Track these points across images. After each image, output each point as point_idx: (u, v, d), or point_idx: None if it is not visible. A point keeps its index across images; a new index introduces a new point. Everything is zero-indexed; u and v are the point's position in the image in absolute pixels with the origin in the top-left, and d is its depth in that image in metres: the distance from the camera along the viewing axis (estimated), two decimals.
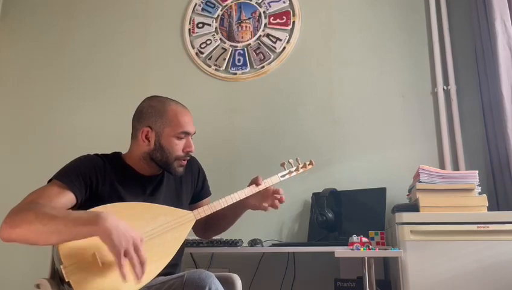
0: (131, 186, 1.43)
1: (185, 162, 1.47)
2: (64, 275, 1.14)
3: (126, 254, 1.11)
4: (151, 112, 1.44)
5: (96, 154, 1.44)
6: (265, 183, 1.52)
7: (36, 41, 2.99)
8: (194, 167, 1.61)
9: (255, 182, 1.51)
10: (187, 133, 1.45)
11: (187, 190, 1.58)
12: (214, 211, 1.44)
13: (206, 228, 1.64)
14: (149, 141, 1.43)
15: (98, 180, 1.36)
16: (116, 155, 1.48)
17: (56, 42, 2.95)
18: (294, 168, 1.61)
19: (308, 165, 1.65)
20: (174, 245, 1.33)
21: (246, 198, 1.50)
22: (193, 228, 1.57)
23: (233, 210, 1.54)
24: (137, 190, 1.44)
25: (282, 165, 1.60)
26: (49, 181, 1.33)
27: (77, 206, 1.30)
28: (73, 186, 1.29)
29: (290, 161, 1.61)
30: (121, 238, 1.11)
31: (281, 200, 1.51)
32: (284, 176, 1.58)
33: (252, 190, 1.50)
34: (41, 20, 3.03)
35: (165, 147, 1.42)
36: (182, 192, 1.56)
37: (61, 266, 1.15)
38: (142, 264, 1.13)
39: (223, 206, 1.45)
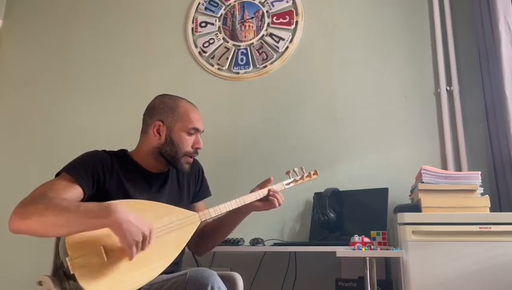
0: (138, 182, 1.44)
1: (191, 159, 1.50)
2: (70, 268, 1.15)
3: (137, 246, 1.15)
4: (163, 108, 1.48)
5: (104, 151, 1.46)
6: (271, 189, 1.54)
7: (40, 42, 3.00)
8: (195, 166, 1.63)
9: (263, 185, 1.54)
10: (197, 130, 1.49)
11: (188, 189, 1.60)
12: (220, 213, 1.45)
13: (202, 238, 1.61)
14: (160, 135, 1.46)
15: (105, 175, 1.38)
16: (123, 152, 1.51)
17: (59, 42, 2.96)
18: (299, 177, 1.65)
19: (313, 174, 1.68)
20: (177, 245, 1.34)
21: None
22: None
23: (238, 214, 1.55)
24: (143, 187, 1.45)
25: (287, 173, 1.63)
26: (57, 175, 1.35)
27: (84, 201, 1.31)
28: (81, 180, 1.31)
29: (295, 169, 1.64)
30: (132, 231, 1.14)
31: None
32: (288, 184, 1.62)
33: (257, 195, 1.52)
34: (44, 21, 3.04)
35: (175, 142, 1.45)
36: (184, 190, 1.57)
37: (67, 259, 1.16)
38: (143, 248, 1.19)
39: (229, 209, 1.46)
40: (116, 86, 2.78)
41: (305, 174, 1.65)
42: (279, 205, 1.53)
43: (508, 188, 1.96)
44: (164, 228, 1.31)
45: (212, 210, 1.43)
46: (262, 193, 1.52)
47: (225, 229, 1.61)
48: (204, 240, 1.62)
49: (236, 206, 1.47)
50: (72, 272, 1.15)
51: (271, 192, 1.52)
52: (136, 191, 1.42)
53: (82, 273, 1.15)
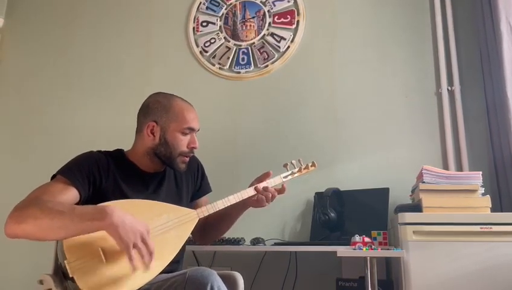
0: (134, 183, 1.43)
1: (187, 159, 1.48)
2: (68, 271, 1.15)
3: (134, 247, 1.13)
4: (157, 107, 1.46)
5: (99, 151, 1.45)
6: (268, 183, 1.52)
7: (40, 41, 3.01)
8: (193, 164, 1.61)
9: (261, 179, 1.52)
10: (192, 129, 1.47)
11: (187, 188, 1.59)
12: (217, 210, 1.44)
13: (205, 229, 1.62)
14: (154, 136, 1.44)
15: (102, 177, 1.37)
16: (119, 152, 1.49)
17: (60, 41, 2.97)
18: (296, 170, 1.62)
19: (311, 166, 1.66)
20: (177, 243, 1.33)
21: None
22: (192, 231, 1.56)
23: (235, 210, 1.54)
24: (139, 187, 1.44)
25: (285, 166, 1.60)
26: (53, 177, 1.34)
27: (81, 203, 1.30)
28: (77, 182, 1.30)
29: (293, 162, 1.62)
30: (128, 233, 1.13)
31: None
32: (286, 177, 1.59)
33: (249, 192, 1.50)
34: (45, 20, 3.05)
35: (170, 142, 1.43)
36: (183, 190, 1.56)
37: (65, 262, 1.15)
38: (150, 254, 1.15)
39: (226, 206, 1.45)
40: (117, 86, 2.78)
41: (303, 166, 1.63)
42: (273, 198, 1.50)
43: (509, 188, 1.96)
44: (163, 227, 1.31)
45: (210, 207, 1.43)
46: (251, 191, 1.49)
47: (227, 222, 1.61)
48: (209, 231, 1.63)
49: (234, 202, 1.46)
50: (71, 275, 1.15)
51: (260, 189, 1.49)
52: (132, 192, 1.41)
53: (81, 275, 1.15)
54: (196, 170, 1.64)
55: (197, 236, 1.65)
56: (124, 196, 1.37)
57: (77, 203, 1.29)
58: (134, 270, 1.13)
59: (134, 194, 1.40)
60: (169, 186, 1.53)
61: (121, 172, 1.42)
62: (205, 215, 1.42)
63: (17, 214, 1.17)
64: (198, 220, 1.41)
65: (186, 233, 1.37)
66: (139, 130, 1.49)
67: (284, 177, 1.58)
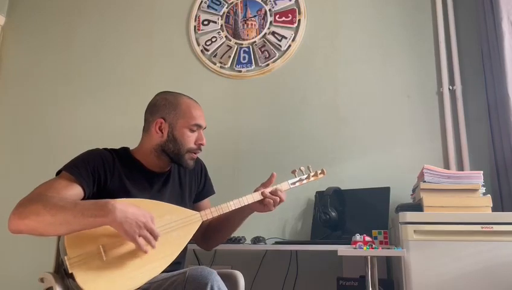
0: (139, 181, 1.44)
1: (195, 156, 1.49)
2: (68, 267, 1.15)
3: (140, 236, 1.17)
4: (164, 104, 1.47)
5: (105, 149, 1.45)
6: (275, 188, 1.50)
7: (41, 39, 3.00)
8: (196, 165, 1.61)
9: (266, 184, 1.50)
10: (199, 126, 1.47)
11: (190, 189, 1.59)
12: (221, 213, 1.42)
13: (207, 234, 1.61)
14: (162, 133, 1.45)
15: (107, 174, 1.37)
16: (125, 150, 1.49)
17: (61, 39, 2.97)
18: (305, 176, 1.60)
19: (320, 174, 1.64)
20: (179, 244, 1.33)
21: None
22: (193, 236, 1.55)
23: (239, 214, 1.52)
24: (144, 186, 1.44)
25: (293, 172, 1.58)
26: (58, 173, 1.34)
27: (85, 199, 1.30)
28: (81, 179, 1.30)
29: (302, 168, 1.59)
30: (133, 226, 1.16)
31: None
32: (294, 183, 1.57)
33: (255, 197, 1.48)
34: (46, 18, 3.04)
35: (178, 139, 1.44)
36: (185, 191, 1.56)
37: (66, 257, 1.16)
38: (156, 238, 1.21)
39: (231, 209, 1.43)
40: (118, 84, 2.78)
41: (312, 173, 1.61)
42: (279, 203, 1.48)
43: (510, 187, 1.96)
44: (166, 227, 1.31)
45: (214, 210, 1.42)
46: (257, 196, 1.47)
47: (230, 227, 1.60)
48: (211, 236, 1.62)
49: (240, 206, 1.45)
50: (70, 271, 1.15)
51: (267, 194, 1.47)
52: (137, 191, 1.41)
53: (80, 272, 1.15)
54: (200, 171, 1.64)
55: (200, 241, 1.64)
56: (128, 193, 1.37)
57: (81, 200, 1.29)
58: (146, 253, 1.20)
59: (139, 193, 1.40)
60: (174, 187, 1.53)
61: (127, 170, 1.42)
62: (209, 218, 1.41)
63: (21, 210, 1.18)
64: (201, 224, 1.41)
65: (189, 235, 1.36)
66: (146, 129, 1.50)
67: (291, 184, 1.56)
